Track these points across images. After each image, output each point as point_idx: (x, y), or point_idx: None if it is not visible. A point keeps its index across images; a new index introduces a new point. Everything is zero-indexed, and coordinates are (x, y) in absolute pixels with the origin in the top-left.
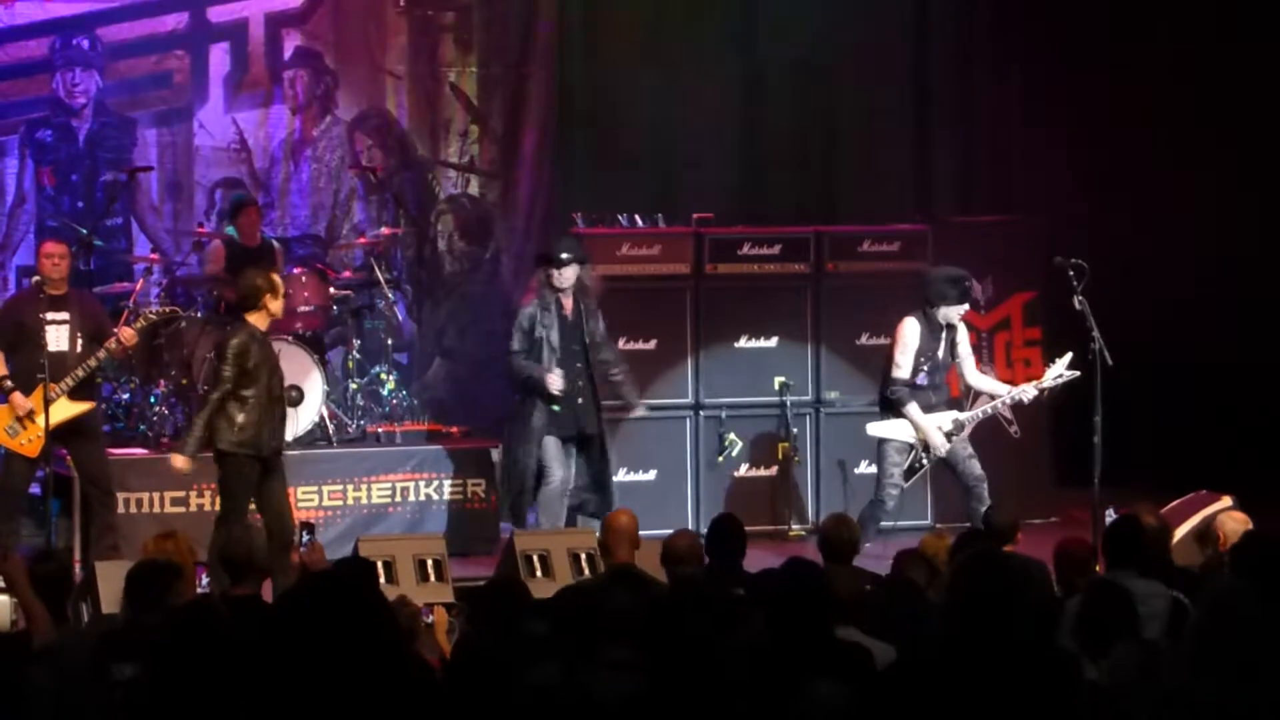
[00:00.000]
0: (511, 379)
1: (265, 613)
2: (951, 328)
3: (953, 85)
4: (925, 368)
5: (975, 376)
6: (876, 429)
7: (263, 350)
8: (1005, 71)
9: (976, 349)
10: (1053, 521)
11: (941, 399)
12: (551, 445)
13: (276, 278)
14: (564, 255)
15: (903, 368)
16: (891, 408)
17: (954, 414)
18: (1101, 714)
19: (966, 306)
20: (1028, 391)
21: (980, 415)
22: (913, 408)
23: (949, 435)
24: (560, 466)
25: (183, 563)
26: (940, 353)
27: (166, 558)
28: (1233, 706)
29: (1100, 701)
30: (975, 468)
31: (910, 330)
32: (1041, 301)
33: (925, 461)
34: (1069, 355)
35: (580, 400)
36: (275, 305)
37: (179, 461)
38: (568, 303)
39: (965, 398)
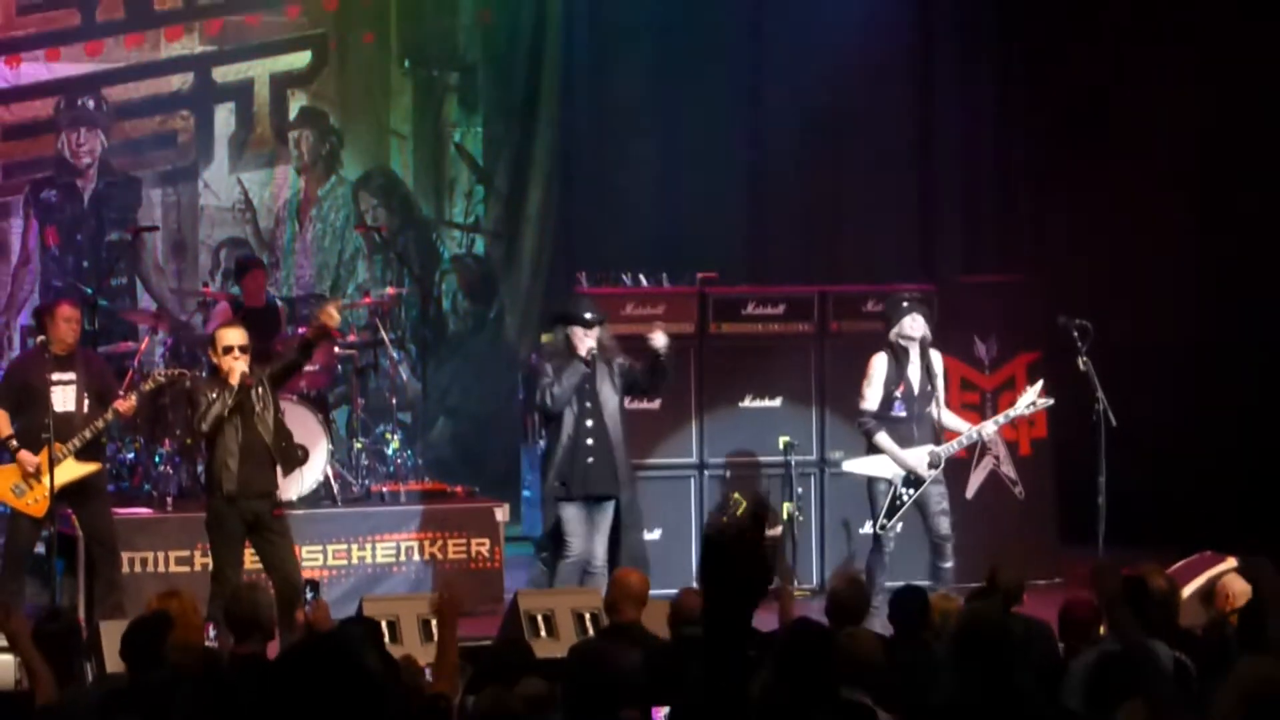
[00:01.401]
0: (549, 408)
1: (268, 672)
2: (923, 353)
3: (958, 145)
4: (899, 395)
5: (945, 413)
6: (852, 465)
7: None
8: (1010, 131)
9: (980, 408)
10: (1057, 582)
11: (925, 435)
12: (572, 514)
13: (222, 332)
14: (589, 316)
15: (868, 399)
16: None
17: (929, 447)
18: None
19: (920, 318)
20: (987, 428)
21: (955, 448)
22: (882, 436)
23: (927, 467)
24: (580, 540)
25: (187, 622)
26: (915, 379)
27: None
28: None
29: None
30: (944, 525)
31: (877, 363)
32: (1045, 362)
33: (905, 498)
34: (1040, 382)
35: (591, 460)
36: (217, 359)
37: None
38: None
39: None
